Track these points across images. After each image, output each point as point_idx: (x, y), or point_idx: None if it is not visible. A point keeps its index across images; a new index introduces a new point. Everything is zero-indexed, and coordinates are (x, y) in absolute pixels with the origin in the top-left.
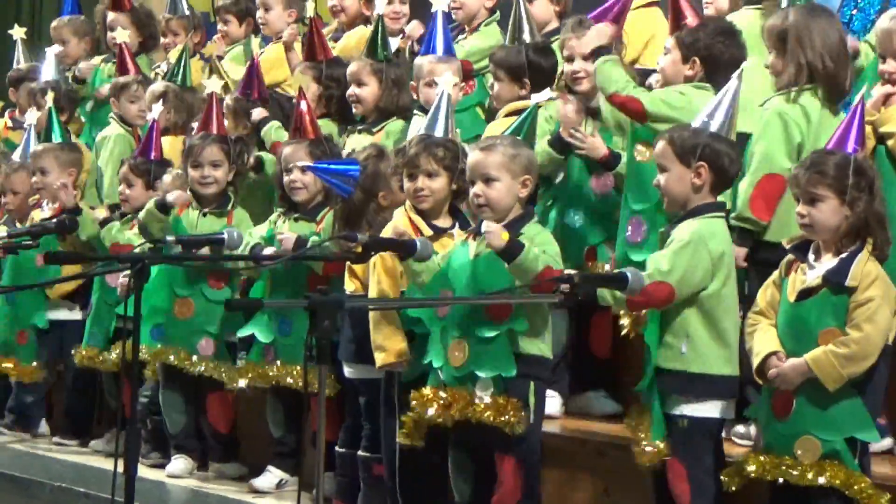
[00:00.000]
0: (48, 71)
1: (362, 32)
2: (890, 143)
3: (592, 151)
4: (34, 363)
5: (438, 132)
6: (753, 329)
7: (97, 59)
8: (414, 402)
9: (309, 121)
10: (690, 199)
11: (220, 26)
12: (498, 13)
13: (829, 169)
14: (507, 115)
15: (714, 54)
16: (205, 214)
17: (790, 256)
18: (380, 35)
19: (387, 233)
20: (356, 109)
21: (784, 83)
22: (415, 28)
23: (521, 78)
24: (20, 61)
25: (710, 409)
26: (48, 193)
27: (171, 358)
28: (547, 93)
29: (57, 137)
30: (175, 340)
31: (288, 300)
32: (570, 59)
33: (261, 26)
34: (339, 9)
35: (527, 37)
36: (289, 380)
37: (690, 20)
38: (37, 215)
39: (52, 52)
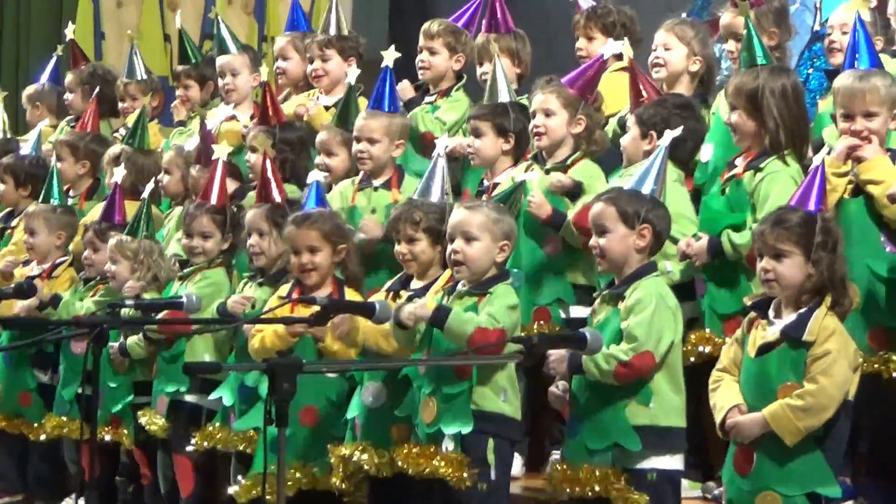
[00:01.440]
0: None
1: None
2: (876, 190)
3: (537, 210)
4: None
5: (433, 196)
6: (717, 385)
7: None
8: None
9: (274, 185)
10: (629, 261)
11: (179, 91)
12: (465, 77)
13: (796, 225)
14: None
15: (670, 128)
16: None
17: (752, 314)
18: (352, 105)
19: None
20: (327, 178)
21: (757, 143)
22: (405, 89)
23: (507, 133)
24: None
25: (674, 462)
26: (36, 254)
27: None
28: (534, 173)
29: (55, 199)
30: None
31: (247, 363)
32: (532, 114)
33: (227, 92)
34: (281, 71)
35: (504, 97)
36: (242, 445)
37: (646, 96)
38: (21, 272)
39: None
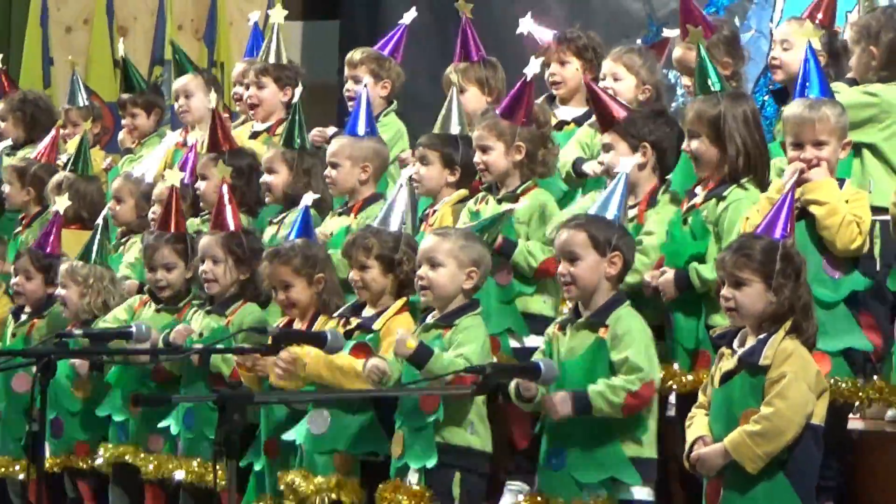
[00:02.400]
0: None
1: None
2: (818, 211)
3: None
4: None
5: (392, 225)
6: (690, 422)
7: None
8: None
9: (230, 213)
10: (600, 289)
11: (126, 120)
12: (395, 103)
13: (756, 253)
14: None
15: (660, 137)
16: (159, 311)
17: (723, 349)
18: (297, 124)
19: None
20: (267, 198)
21: (718, 171)
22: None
23: (454, 164)
24: None
25: (651, 493)
26: None
27: (128, 458)
28: (521, 204)
29: None
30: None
31: (197, 394)
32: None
33: (181, 114)
34: (238, 97)
35: (455, 128)
36: (187, 476)
37: (618, 112)
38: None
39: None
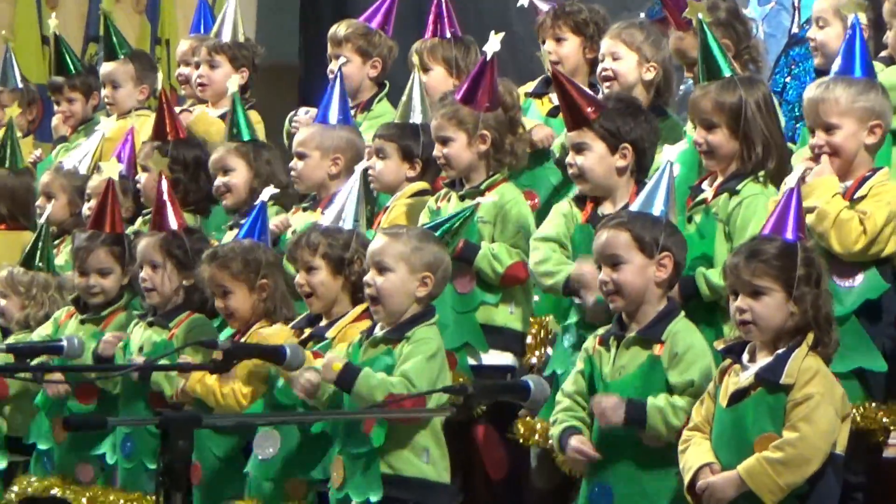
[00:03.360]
0: None
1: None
2: (809, 218)
3: None
4: None
5: (346, 223)
6: (686, 446)
7: None
8: None
9: (171, 210)
10: (649, 297)
11: (62, 106)
12: (388, 85)
13: (774, 258)
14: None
15: (641, 135)
16: (83, 322)
17: (724, 363)
18: (241, 115)
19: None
20: (226, 200)
21: (734, 166)
22: None
23: (413, 158)
24: None
25: None
26: None
27: (56, 491)
28: (490, 197)
29: None
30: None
31: (136, 417)
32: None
33: (107, 106)
34: (183, 79)
35: (418, 116)
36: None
37: (593, 107)
38: None
39: None
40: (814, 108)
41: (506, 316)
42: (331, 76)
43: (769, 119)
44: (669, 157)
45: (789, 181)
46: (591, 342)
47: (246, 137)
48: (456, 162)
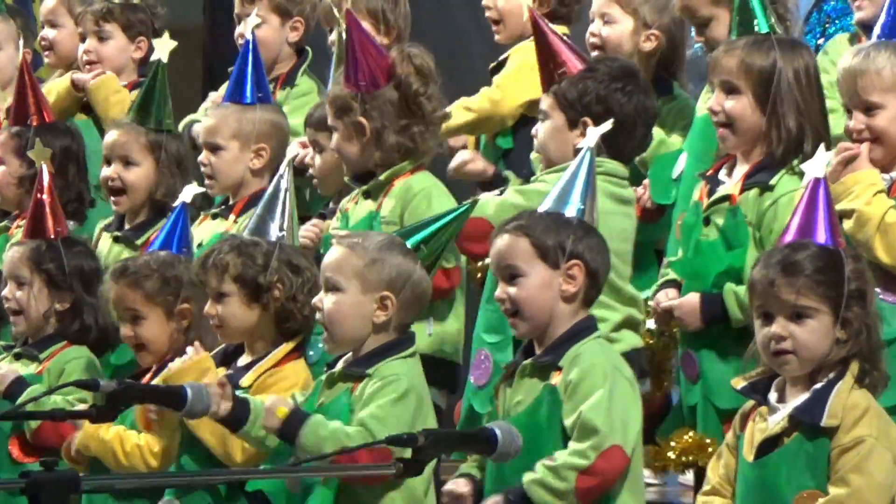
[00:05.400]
0: None
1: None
2: (846, 224)
3: None
4: None
5: (271, 233)
6: None
7: None
8: None
9: (52, 214)
10: (557, 316)
11: None
12: (310, 53)
13: (819, 270)
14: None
15: (612, 109)
16: None
17: (746, 405)
18: (157, 91)
19: None
20: (117, 205)
21: (763, 146)
22: None
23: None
24: None
25: None
26: None
27: None
28: (490, 194)
29: None
30: None
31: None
32: None
33: None
34: (47, 45)
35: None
36: None
37: (571, 65)
38: None
39: None
40: (851, 83)
41: (422, 338)
42: (239, 42)
43: (809, 95)
44: (588, 143)
45: (811, 168)
46: (497, 380)
47: (156, 125)
48: (345, 157)
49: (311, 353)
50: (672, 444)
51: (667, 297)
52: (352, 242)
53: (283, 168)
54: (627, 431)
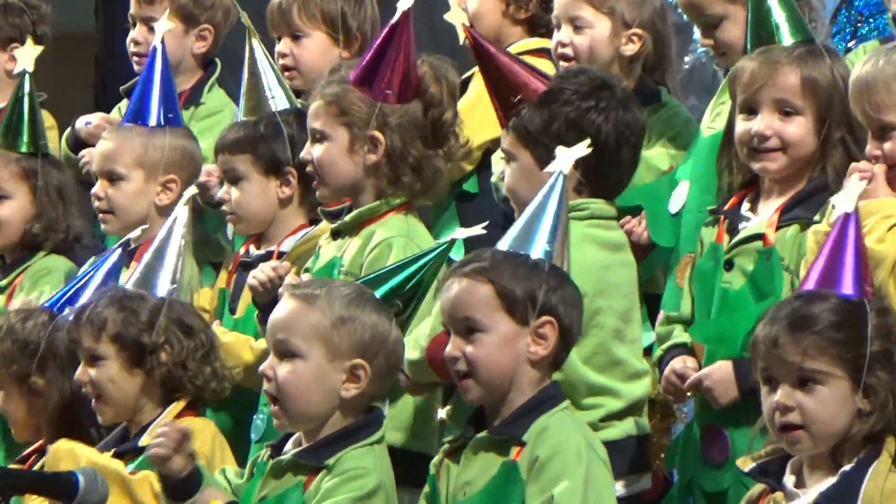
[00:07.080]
0: None
1: None
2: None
3: None
4: None
5: (159, 285)
6: None
7: None
8: None
9: None
10: (518, 381)
11: None
12: (219, 65)
13: (833, 326)
14: None
15: (587, 134)
16: None
17: (753, 490)
18: (27, 112)
19: None
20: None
21: (803, 175)
22: None
23: (280, 168)
24: None
25: None
26: None
27: None
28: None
29: None
30: None
31: None
32: None
33: None
34: None
35: (280, 101)
36: None
37: (531, 88)
38: None
39: None
40: (862, 97)
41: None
42: (132, 48)
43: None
44: (560, 168)
45: (842, 202)
46: (438, 457)
47: (29, 148)
48: (329, 173)
49: (252, 434)
50: None
51: (685, 366)
52: (309, 294)
53: (179, 208)
54: None
